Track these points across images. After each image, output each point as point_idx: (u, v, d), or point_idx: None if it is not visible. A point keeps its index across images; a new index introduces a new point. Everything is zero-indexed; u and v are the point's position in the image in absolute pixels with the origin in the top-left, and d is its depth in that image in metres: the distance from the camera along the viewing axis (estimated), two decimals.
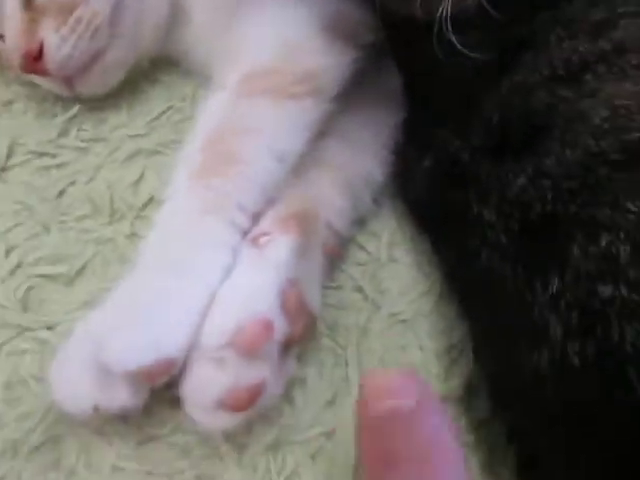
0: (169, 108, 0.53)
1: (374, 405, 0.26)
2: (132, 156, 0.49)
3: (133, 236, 0.44)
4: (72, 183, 0.47)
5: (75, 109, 0.51)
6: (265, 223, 0.37)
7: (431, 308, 0.42)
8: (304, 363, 0.39)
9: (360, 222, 0.46)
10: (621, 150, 0.28)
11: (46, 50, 0.46)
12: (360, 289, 0.43)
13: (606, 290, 0.26)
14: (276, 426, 0.36)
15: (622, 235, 0.26)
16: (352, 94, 0.45)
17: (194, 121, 0.51)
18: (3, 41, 0.48)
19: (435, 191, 0.38)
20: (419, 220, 0.42)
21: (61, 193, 0.46)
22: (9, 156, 0.48)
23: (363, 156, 0.45)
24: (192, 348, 0.33)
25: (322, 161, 0.43)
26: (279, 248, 0.36)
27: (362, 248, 0.45)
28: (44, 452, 0.35)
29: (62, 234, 0.44)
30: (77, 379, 0.33)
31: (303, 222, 0.38)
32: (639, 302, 0.25)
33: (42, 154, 0.49)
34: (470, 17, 0.35)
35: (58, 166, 0.48)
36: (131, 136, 0.50)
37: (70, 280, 0.42)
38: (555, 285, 0.28)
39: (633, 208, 0.27)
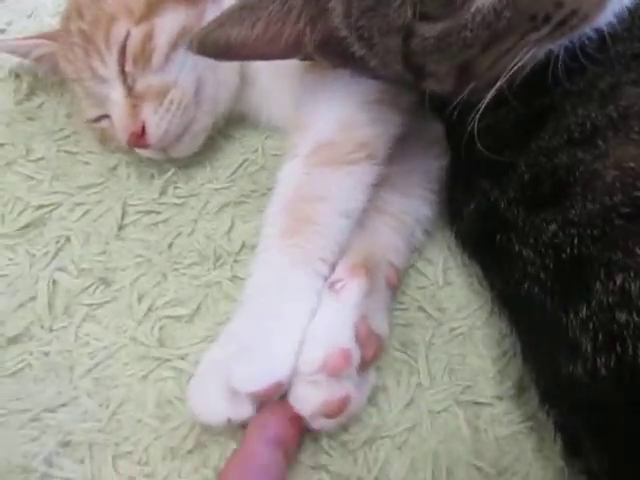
0: (245, 161, 0.63)
1: None
2: (222, 207, 0.59)
3: (235, 278, 0.54)
4: (178, 235, 0.57)
5: (171, 171, 0.61)
6: (338, 271, 0.47)
7: (484, 321, 0.51)
8: (384, 374, 0.49)
9: (417, 251, 0.55)
10: (631, 204, 0.37)
11: (148, 129, 0.56)
12: (423, 309, 0.52)
13: (622, 317, 0.34)
14: (369, 426, 0.46)
15: (632, 274, 0.35)
16: (398, 145, 0.54)
17: (267, 170, 0.61)
18: (109, 119, 0.59)
19: (480, 231, 0.47)
20: (468, 251, 0.51)
21: (170, 245, 0.57)
22: (123, 217, 0.59)
23: (412, 200, 0.54)
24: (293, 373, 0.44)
25: (377, 209, 0.52)
26: (351, 291, 0.46)
27: (421, 274, 0.54)
28: (195, 455, 0.46)
29: (177, 280, 0.55)
30: (211, 399, 0.44)
31: (368, 266, 0.48)
32: None
33: (149, 212, 0.59)
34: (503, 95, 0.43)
35: (164, 222, 0.59)
36: (217, 189, 0.61)
37: (190, 318, 0.52)
38: (584, 312, 0.36)
39: None
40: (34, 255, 0.56)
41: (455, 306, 0.52)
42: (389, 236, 0.52)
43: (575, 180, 0.40)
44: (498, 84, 0.42)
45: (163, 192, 0.60)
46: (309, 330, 0.45)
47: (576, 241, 0.38)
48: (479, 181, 0.47)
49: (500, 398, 0.47)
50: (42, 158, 0.64)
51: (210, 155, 0.63)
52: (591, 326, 0.36)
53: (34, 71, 0.69)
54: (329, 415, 0.43)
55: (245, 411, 0.43)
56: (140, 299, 0.53)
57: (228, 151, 0.64)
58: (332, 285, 0.47)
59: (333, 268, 0.48)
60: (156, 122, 0.56)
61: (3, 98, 0.68)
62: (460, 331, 0.51)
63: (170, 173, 0.61)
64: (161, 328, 0.52)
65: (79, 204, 0.60)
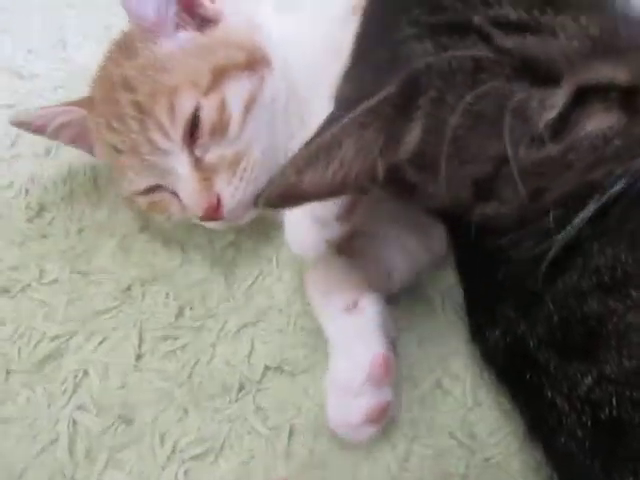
0: (260, 273, 0.61)
1: None
2: (239, 329, 0.58)
3: (259, 410, 0.53)
4: (196, 363, 0.56)
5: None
6: (345, 297, 0.51)
7: (518, 447, 0.49)
8: None
9: (442, 364, 0.53)
10: None
11: (223, 201, 0.54)
12: (454, 436, 0.50)
13: None
14: None
15: None
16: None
17: (283, 283, 0.60)
18: (164, 191, 0.57)
19: (508, 363, 0.45)
20: (494, 373, 0.49)
21: (190, 375, 0.55)
22: (140, 344, 0.58)
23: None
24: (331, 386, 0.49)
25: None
26: (368, 304, 0.51)
27: (449, 393, 0.52)
28: None
29: (199, 415, 0.53)
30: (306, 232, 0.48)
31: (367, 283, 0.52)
32: None
33: (166, 338, 0.58)
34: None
35: (181, 348, 0.57)
36: (233, 308, 0.59)
37: (215, 459, 0.51)
38: None
39: None
40: (52, 393, 0.55)
41: (487, 430, 0.50)
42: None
43: (608, 333, 0.38)
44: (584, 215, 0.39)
45: (180, 314, 0.59)
46: (346, 350, 0.49)
47: (615, 401, 0.37)
48: (502, 307, 0.46)
49: None
50: (56, 280, 0.63)
51: (223, 269, 0.62)
52: None
53: (44, 184, 0.69)
54: (375, 421, 0.47)
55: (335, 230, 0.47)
56: (162, 439, 0.52)
57: (242, 263, 0.62)
58: (347, 309, 0.51)
59: None
60: (231, 193, 0.54)
61: (15, 216, 0.67)
62: (495, 460, 0.49)
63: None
64: (185, 472, 0.50)
65: (95, 332, 0.59)
